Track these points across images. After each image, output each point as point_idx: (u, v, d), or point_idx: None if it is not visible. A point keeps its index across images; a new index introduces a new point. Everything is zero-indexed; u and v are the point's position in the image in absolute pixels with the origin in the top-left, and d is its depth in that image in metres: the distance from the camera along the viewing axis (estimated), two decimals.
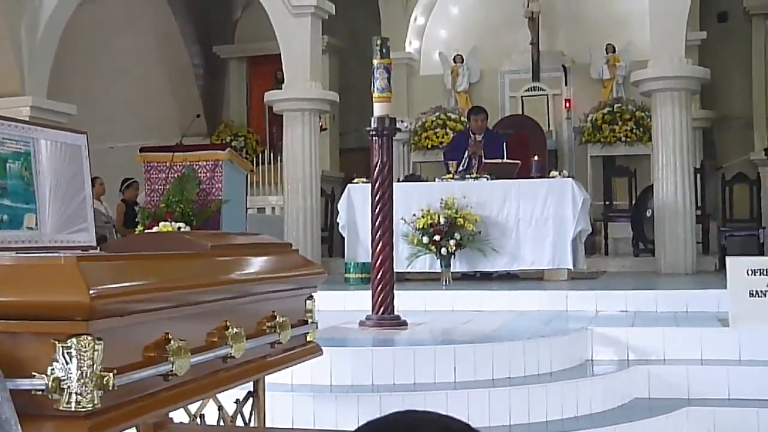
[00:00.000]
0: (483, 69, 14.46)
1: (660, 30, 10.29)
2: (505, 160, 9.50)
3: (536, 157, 9.58)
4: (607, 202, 12.75)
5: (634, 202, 12.45)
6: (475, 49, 14.41)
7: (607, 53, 13.64)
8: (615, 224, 12.61)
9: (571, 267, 8.93)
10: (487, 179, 9.22)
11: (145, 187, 9.67)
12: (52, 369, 2.02)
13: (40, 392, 2.02)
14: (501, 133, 10.46)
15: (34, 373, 2.03)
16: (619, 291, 7.71)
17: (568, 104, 13.73)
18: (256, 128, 15.79)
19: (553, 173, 9.40)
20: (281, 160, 11.95)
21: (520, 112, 13.50)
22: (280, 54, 11.18)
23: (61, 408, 2.02)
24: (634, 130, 13.08)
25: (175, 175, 9.13)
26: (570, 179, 9.17)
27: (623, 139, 13.12)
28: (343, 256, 9.68)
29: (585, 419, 5.07)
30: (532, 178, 9.30)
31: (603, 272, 10.35)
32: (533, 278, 9.11)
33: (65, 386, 2.02)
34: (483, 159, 9.76)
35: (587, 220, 9.17)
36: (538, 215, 8.97)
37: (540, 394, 5.14)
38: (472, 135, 10.25)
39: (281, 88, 11.37)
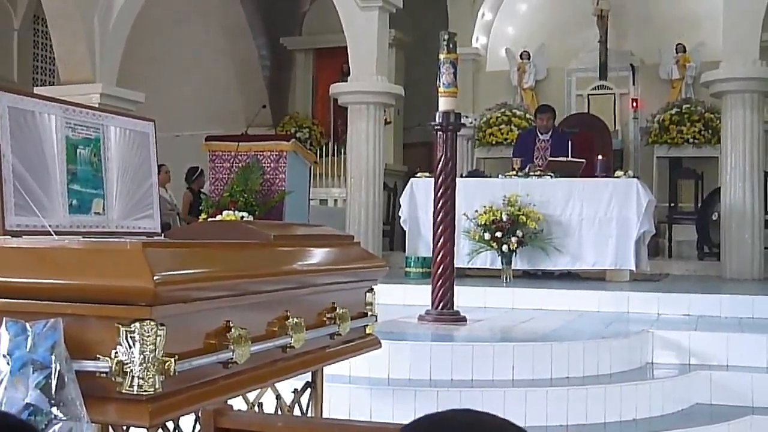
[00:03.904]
0: (550, 66, 14.35)
1: (733, 30, 10.11)
2: (569, 158, 9.42)
3: (601, 157, 9.47)
4: (672, 204, 12.57)
5: (700, 204, 12.26)
6: (543, 47, 14.31)
7: (677, 53, 13.43)
8: (679, 227, 12.42)
9: (633, 268, 8.82)
10: (551, 177, 9.15)
11: (210, 176, 9.77)
12: (116, 352, 2.05)
13: (104, 374, 2.06)
14: (566, 132, 10.38)
15: (98, 356, 2.07)
16: (682, 294, 7.60)
17: (635, 104, 13.55)
18: (320, 120, 15.84)
19: (618, 173, 9.30)
20: (345, 153, 11.98)
21: (587, 111, 13.37)
22: (346, 47, 11.20)
23: (123, 391, 2.05)
24: (703, 132, 12.84)
25: (240, 165, 9.21)
26: (635, 180, 9.06)
27: (691, 140, 12.89)
28: (404, 250, 9.68)
29: (644, 423, 5.01)
30: (597, 177, 9.20)
31: (666, 275, 10.21)
32: (595, 278, 9.02)
33: (128, 370, 2.05)
34: (548, 157, 9.70)
35: (651, 222, 9.06)
36: (602, 215, 8.87)
37: (598, 396, 5.09)
38: (538, 134, 10.20)
39: (347, 81, 11.39)
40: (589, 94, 13.87)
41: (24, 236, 2.43)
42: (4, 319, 2.08)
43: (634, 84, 13.60)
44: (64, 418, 1.97)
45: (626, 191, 8.90)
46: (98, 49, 11.25)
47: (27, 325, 2.05)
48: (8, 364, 2.00)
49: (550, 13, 14.60)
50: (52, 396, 1.98)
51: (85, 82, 11.07)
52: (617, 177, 9.16)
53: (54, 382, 1.98)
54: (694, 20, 13.56)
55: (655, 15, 13.85)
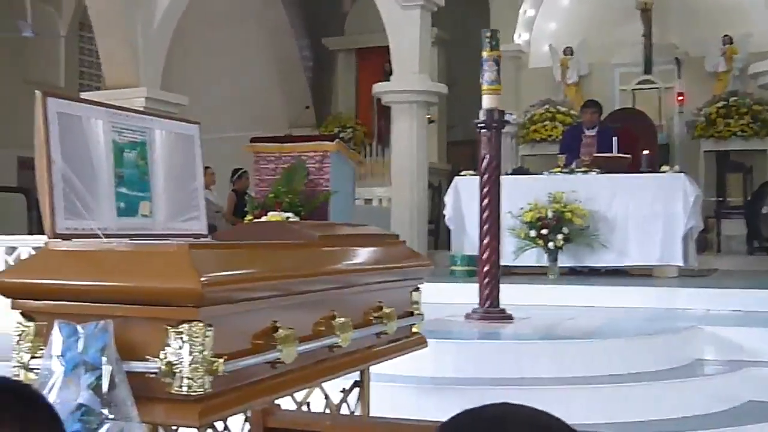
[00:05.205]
0: (593, 62, 14.26)
1: None
2: (615, 154, 9.34)
3: (646, 152, 9.38)
4: (720, 199, 12.43)
5: (749, 198, 12.10)
6: (585, 42, 14.22)
7: (723, 45, 13.27)
8: (728, 221, 12.27)
9: (681, 264, 8.72)
10: (596, 173, 9.08)
11: (254, 177, 9.83)
12: (165, 353, 2.07)
13: (153, 375, 2.08)
14: (611, 127, 10.30)
15: (147, 357, 2.09)
16: (732, 290, 7.51)
17: (680, 98, 13.41)
18: (364, 120, 15.87)
19: (664, 168, 9.20)
20: (389, 152, 11.99)
21: (631, 106, 13.26)
22: (388, 46, 11.22)
23: (172, 391, 2.07)
24: (751, 125, 12.68)
25: (284, 166, 9.26)
26: (681, 174, 8.96)
27: (739, 133, 12.74)
28: (449, 249, 9.66)
29: (693, 420, 4.95)
30: (642, 172, 9.12)
31: (714, 270, 10.09)
32: (642, 274, 8.94)
33: (177, 370, 2.06)
34: (594, 153, 9.63)
35: (699, 217, 8.95)
36: (648, 211, 8.78)
37: (646, 393, 5.04)
38: (584, 130, 10.14)
39: (390, 80, 11.40)
40: (633, 89, 13.76)
41: (73, 239, 2.46)
42: (56, 321, 2.11)
43: (679, 78, 13.45)
44: (116, 419, 2.00)
45: (672, 186, 8.80)
46: (142, 54, 11.36)
47: (78, 326, 2.08)
48: (61, 365, 2.03)
49: (592, 8, 14.50)
50: (103, 396, 2.00)
51: (129, 87, 11.19)
52: (663, 172, 9.07)
53: (105, 383, 2.01)
54: (741, 11, 13.38)
55: (700, 7, 13.69)
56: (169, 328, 2.07)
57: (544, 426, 1.17)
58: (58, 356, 2.05)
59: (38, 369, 2.12)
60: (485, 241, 6.30)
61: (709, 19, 13.55)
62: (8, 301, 2.28)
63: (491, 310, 6.27)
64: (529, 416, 1.18)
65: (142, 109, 8.26)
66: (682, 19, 13.82)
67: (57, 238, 2.44)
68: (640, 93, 13.72)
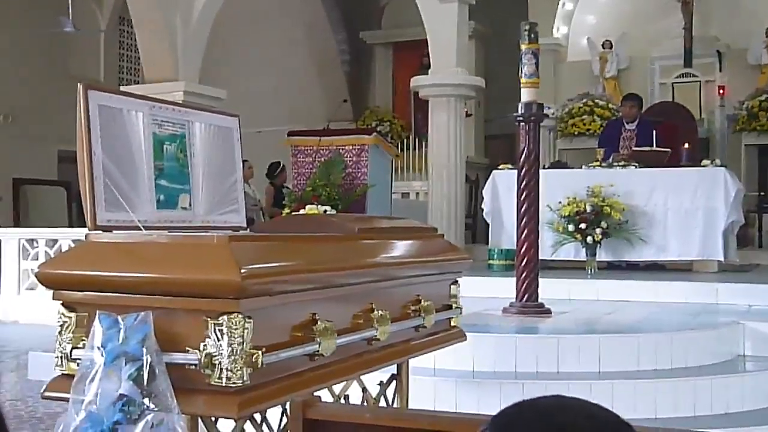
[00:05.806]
0: (632, 55, 14.13)
1: None
2: (654, 148, 9.25)
3: (687, 146, 9.28)
4: (762, 193, 12.27)
5: None
6: (625, 35, 14.10)
7: (766, 37, 13.09)
8: None
9: (721, 259, 8.62)
10: (635, 167, 9.00)
11: (292, 170, 9.85)
12: (205, 345, 2.08)
13: (193, 367, 2.08)
14: (651, 121, 10.19)
15: (187, 348, 2.10)
16: None
17: (721, 91, 13.24)
18: (401, 114, 15.86)
19: (705, 162, 9.09)
20: (426, 146, 11.97)
21: (671, 100, 13.12)
22: (426, 40, 11.18)
23: (212, 383, 2.08)
24: None
25: (322, 159, 9.27)
26: (722, 168, 8.84)
27: None
28: (487, 243, 9.62)
29: (736, 417, 4.89)
30: (683, 167, 9.02)
31: (756, 265, 9.96)
32: (682, 269, 8.84)
33: (216, 362, 2.07)
34: (633, 147, 9.55)
35: (740, 211, 8.83)
36: (688, 205, 8.68)
37: (687, 388, 4.99)
38: (624, 124, 10.06)
39: (427, 74, 11.37)
40: (673, 83, 13.60)
41: (114, 231, 2.47)
42: (97, 312, 2.12)
43: (720, 70, 13.29)
44: (156, 409, 2.01)
45: (713, 180, 8.69)
46: (181, 48, 11.42)
47: (119, 318, 2.09)
48: (102, 356, 2.05)
49: (631, 1, 14.36)
50: (143, 387, 2.01)
51: (168, 80, 11.25)
52: (704, 166, 8.96)
53: (145, 374, 2.02)
54: None
55: None
56: (208, 319, 2.08)
57: (596, 417, 1.16)
58: (99, 347, 2.06)
59: (80, 359, 2.14)
60: (523, 235, 6.26)
61: (751, 11, 13.36)
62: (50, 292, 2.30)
63: (529, 305, 6.23)
64: (581, 408, 1.17)
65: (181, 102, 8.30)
66: (724, 10, 13.63)
67: (98, 230, 2.46)
68: (680, 86, 13.57)
